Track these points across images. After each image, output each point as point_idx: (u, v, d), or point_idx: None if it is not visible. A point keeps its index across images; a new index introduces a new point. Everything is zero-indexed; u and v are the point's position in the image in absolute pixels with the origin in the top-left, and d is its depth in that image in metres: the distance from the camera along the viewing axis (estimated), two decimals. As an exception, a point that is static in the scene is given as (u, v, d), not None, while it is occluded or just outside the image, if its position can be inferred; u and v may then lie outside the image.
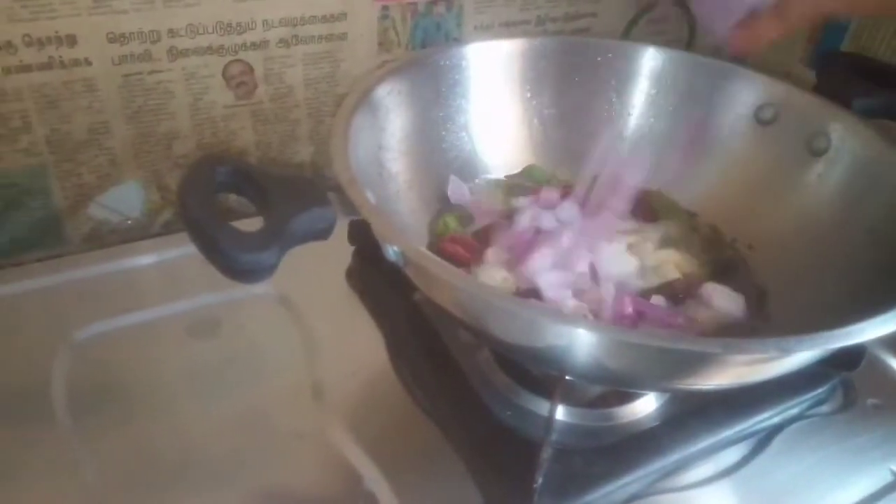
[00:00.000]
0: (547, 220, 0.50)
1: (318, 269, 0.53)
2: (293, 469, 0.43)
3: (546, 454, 0.39)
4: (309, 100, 0.63)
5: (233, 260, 0.31)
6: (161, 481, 0.41)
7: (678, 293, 0.47)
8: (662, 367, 0.36)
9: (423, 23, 0.64)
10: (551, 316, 0.34)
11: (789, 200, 0.51)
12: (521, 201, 0.52)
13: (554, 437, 0.40)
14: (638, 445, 0.43)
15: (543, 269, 0.45)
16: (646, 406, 0.47)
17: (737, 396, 0.45)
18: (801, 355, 0.34)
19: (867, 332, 0.32)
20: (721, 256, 0.52)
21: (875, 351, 0.51)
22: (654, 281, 0.48)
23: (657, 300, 0.46)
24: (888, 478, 0.44)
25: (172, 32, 0.55)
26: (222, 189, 0.35)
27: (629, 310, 0.43)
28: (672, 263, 0.49)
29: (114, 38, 0.53)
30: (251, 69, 0.59)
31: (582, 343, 0.34)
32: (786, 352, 0.31)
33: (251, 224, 0.34)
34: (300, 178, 0.36)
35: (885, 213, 0.44)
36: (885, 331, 0.33)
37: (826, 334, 0.32)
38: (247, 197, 0.36)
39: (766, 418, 0.46)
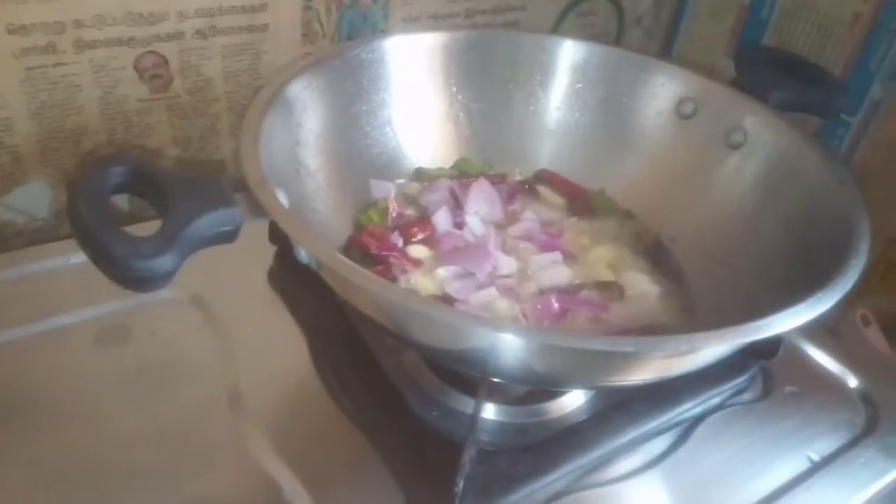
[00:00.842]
0: (472, 222, 0.49)
1: (238, 270, 0.51)
2: (210, 481, 0.41)
3: (469, 455, 0.38)
4: (229, 93, 0.61)
5: (124, 267, 0.29)
6: (70, 496, 0.39)
7: (610, 293, 0.47)
8: (583, 367, 0.36)
9: (349, 14, 0.62)
10: (466, 319, 0.33)
11: (709, 193, 0.52)
12: (435, 196, 0.51)
13: (479, 436, 0.40)
14: (563, 442, 0.43)
15: (450, 277, 0.44)
16: (573, 401, 0.47)
17: (660, 388, 0.45)
18: (717, 349, 0.35)
19: (776, 325, 0.33)
20: (649, 249, 0.52)
21: (792, 339, 0.53)
22: (587, 277, 0.48)
23: (587, 295, 0.46)
24: (806, 464, 0.45)
25: (78, 23, 0.52)
26: (118, 191, 0.33)
27: (555, 307, 0.43)
28: (605, 263, 0.50)
29: (14, 30, 0.50)
30: (166, 61, 0.57)
31: (501, 345, 0.33)
32: (697, 349, 0.31)
33: (156, 227, 0.32)
34: (204, 179, 0.34)
35: (799, 204, 0.45)
36: (794, 324, 0.33)
37: (737, 328, 0.32)
38: (145, 199, 0.34)
39: (689, 408, 0.47)
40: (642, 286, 0.48)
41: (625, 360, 0.33)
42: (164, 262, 0.30)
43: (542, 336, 0.32)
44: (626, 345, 0.30)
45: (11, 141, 0.54)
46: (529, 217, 0.51)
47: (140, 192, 0.33)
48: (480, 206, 0.50)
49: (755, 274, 0.45)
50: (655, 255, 0.52)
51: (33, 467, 0.40)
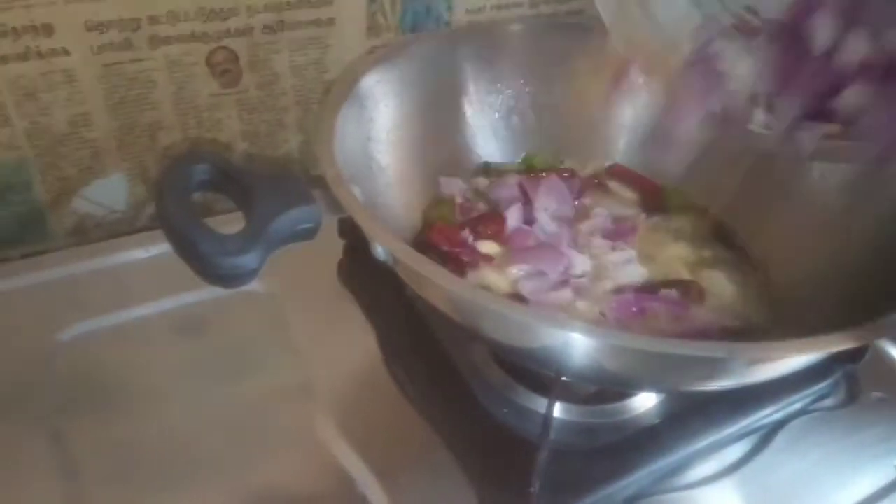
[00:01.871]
0: (542, 218, 0.49)
1: (308, 265, 0.51)
2: (282, 470, 0.42)
3: (543, 456, 0.38)
4: (296, 87, 0.61)
5: (213, 265, 0.29)
6: (147, 481, 0.40)
7: (690, 293, 0.45)
8: (664, 370, 0.34)
9: (413, 6, 0.62)
10: (543, 319, 0.32)
11: (792, 189, 0.49)
12: (504, 192, 0.50)
13: (551, 436, 0.39)
14: (638, 444, 0.42)
15: (523, 276, 0.44)
16: (645, 402, 0.45)
17: (739, 392, 0.43)
18: (811, 356, 0.33)
19: (877, 332, 0.31)
20: (728, 250, 0.50)
21: (879, 343, 0.50)
22: (664, 275, 0.46)
23: (666, 294, 0.45)
24: (892, 475, 0.43)
25: (153, 20, 0.53)
26: (202, 188, 0.34)
27: (633, 308, 0.42)
28: (682, 261, 0.48)
29: (92, 27, 0.51)
30: (236, 56, 0.57)
31: (577, 346, 0.32)
32: (792, 354, 0.30)
33: (232, 220, 0.32)
34: (285, 175, 0.35)
35: (892, 208, 0.43)
36: (887, 334, 0.31)
37: (832, 336, 0.30)
38: (228, 195, 0.34)
39: (769, 414, 0.45)
40: (720, 286, 0.46)
41: (714, 365, 0.32)
42: (249, 259, 0.30)
43: (625, 340, 0.31)
44: (718, 350, 0.29)
45: (91, 135, 0.55)
46: (601, 213, 0.50)
47: (222, 189, 0.34)
48: (550, 202, 0.49)
49: (844, 276, 0.43)
50: (733, 254, 0.50)
51: (114, 451, 0.42)
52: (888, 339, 0.50)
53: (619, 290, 0.44)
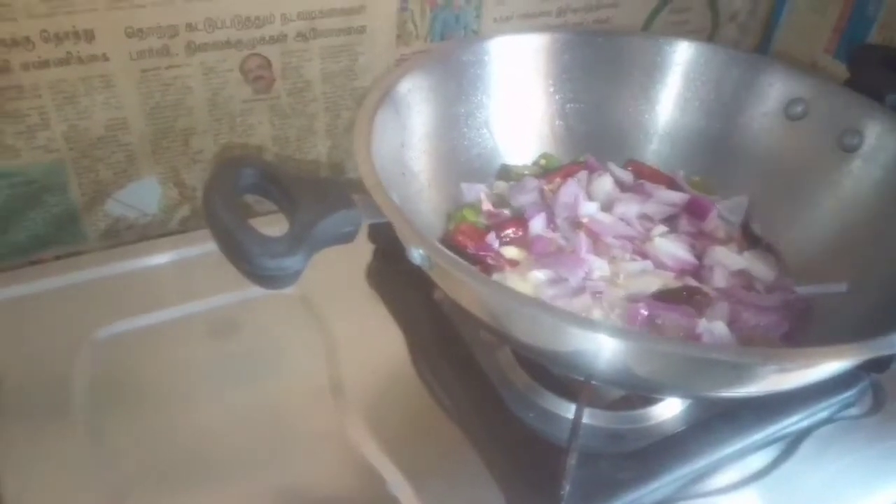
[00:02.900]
0: (562, 224, 0.49)
1: (338, 267, 0.52)
2: (314, 469, 0.42)
3: (572, 460, 0.38)
4: (326, 94, 0.62)
5: (259, 266, 0.30)
6: (179, 479, 0.41)
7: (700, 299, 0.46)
8: (693, 375, 0.35)
9: (442, 15, 0.63)
10: (577, 322, 0.33)
11: (822, 197, 0.50)
12: (526, 198, 0.51)
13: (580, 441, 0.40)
14: (665, 450, 0.42)
15: (544, 282, 0.44)
16: (671, 409, 0.46)
17: (765, 399, 0.44)
18: (838, 364, 0.33)
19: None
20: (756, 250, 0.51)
21: (906, 353, 0.50)
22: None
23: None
24: (919, 483, 0.43)
25: (190, 27, 0.54)
26: (247, 191, 0.34)
27: (644, 315, 0.42)
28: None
29: (132, 33, 0.52)
30: (269, 63, 0.58)
31: (610, 350, 0.33)
32: (825, 363, 0.30)
33: (270, 221, 0.33)
34: (325, 181, 0.36)
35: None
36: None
37: (866, 344, 0.31)
38: (271, 199, 0.35)
39: (795, 422, 0.45)
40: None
41: (743, 371, 0.32)
42: (293, 261, 0.31)
43: (660, 345, 0.32)
44: (752, 356, 0.29)
45: (127, 139, 0.57)
46: (621, 212, 0.50)
47: (267, 192, 0.35)
48: (569, 208, 0.50)
49: (873, 284, 0.43)
50: (764, 257, 0.50)
51: (149, 449, 0.42)
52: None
53: (632, 299, 0.44)
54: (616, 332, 0.32)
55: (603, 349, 0.33)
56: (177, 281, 0.54)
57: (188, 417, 0.44)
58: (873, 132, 0.48)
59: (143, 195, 0.60)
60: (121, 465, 0.41)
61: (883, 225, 0.45)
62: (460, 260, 0.33)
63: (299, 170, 0.64)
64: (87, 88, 0.53)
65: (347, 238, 0.34)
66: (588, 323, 0.33)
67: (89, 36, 0.51)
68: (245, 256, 0.30)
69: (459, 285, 0.36)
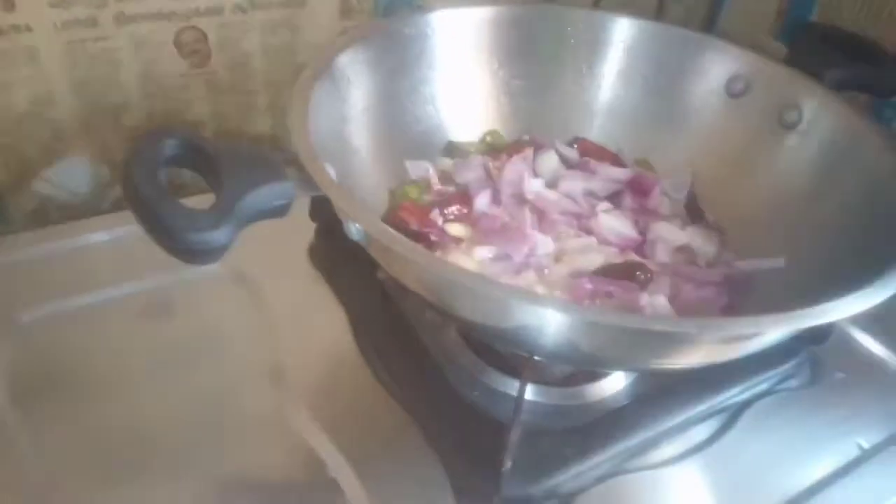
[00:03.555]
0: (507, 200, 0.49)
1: (279, 246, 0.51)
2: (253, 455, 0.41)
3: (515, 436, 0.38)
4: (267, 69, 0.60)
5: (181, 240, 0.29)
6: (116, 470, 0.39)
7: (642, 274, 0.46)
8: (636, 348, 0.35)
9: (387, -11, 0.61)
10: (521, 296, 0.32)
11: (762, 174, 0.50)
12: (471, 175, 0.50)
13: (522, 417, 0.40)
14: (608, 425, 0.43)
15: (489, 259, 0.44)
16: (615, 384, 0.46)
17: (706, 373, 0.44)
18: (774, 334, 0.34)
19: (840, 309, 0.32)
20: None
21: (842, 324, 0.52)
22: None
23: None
24: (855, 451, 0.44)
25: (120, -4, 0.52)
26: (171, 163, 0.33)
27: (588, 289, 0.42)
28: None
29: (56, 3, 0.50)
30: (205, 36, 0.56)
31: (552, 324, 0.32)
32: (762, 332, 0.30)
33: (205, 201, 0.32)
34: (256, 152, 0.34)
35: (858, 187, 0.44)
36: (857, 309, 0.32)
37: (800, 313, 0.31)
38: (198, 172, 0.33)
39: (736, 394, 0.46)
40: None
41: (682, 341, 0.32)
42: (219, 235, 0.29)
43: (601, 317, 0.31)
44: (688, 325, 0.29)
45: (53, 115, 0.54)
46: (566, 189, 0.50)
47: (192, 165, 0.33)
48: (515, 185, 0.50)
49: (809, 257, 0.44)
50: (706, 233, 0.51)
51: (76, 438, 0.41)
52: (850, 318, 0.51)
53: (575, 275, 0.44)
54: (553, 303, 0.31)
55: (542, 323, 0.33)
56: (108, 261, 0.52)
57: (121, 404, 0.43)
58: (811, 108, 0.48)
59: (73, 174, 0.57)
60: (49, 458, 0.39)
61: (817, 200, 0.46)
62: (397, 234, 0.32)
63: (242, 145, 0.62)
64: (8, 61, 0.50)
65: (279, 212, 0.33)
66: (524, 295, 0.32)
67: (9, 5, 0.49)
68: (167, 231, 0.29)
69: (397, 260, 0.35)
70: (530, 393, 0.44)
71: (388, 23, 0.51)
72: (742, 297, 0.45)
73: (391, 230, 0.32)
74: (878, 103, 0.63)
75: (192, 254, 0.30)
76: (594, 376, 0.46)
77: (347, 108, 0.46)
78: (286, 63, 0.60)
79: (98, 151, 0.57)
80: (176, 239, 0.29)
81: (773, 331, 0.31)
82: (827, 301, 0.32)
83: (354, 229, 0.34)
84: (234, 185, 0.31)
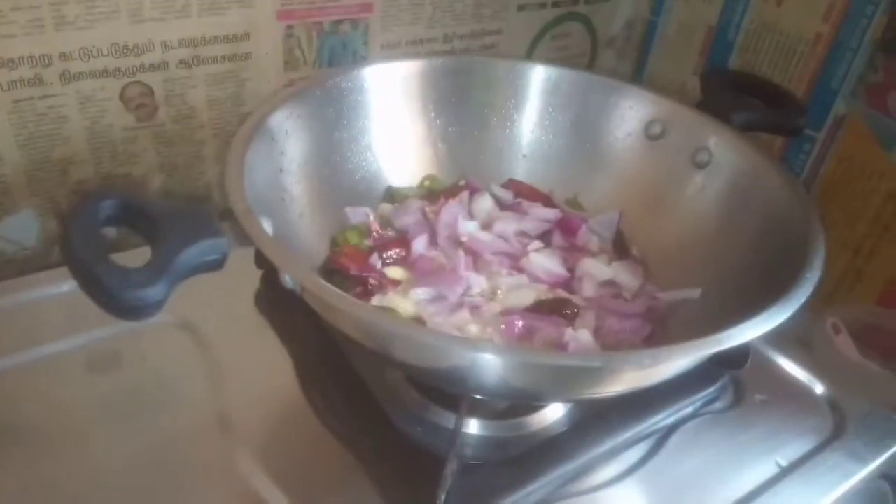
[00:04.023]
0: (443, 243, 0.51)
1: (225, 294, 0.53)
2: (201, 502, 0.42)
3: (451, 469, 0.40)
4: (214, 120, 0.62)
5: (117, 298, 0.30)
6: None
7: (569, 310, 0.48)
8: (556, 382, 0.37)
9: (330, 42, 0.64)
10: (445, 340, 0.34)
11: (676, 211, 0.54)
12: (409, 219, 0.53)
13: (462, 451, 0.41)
14: (543, 454, 0.45)
15: (425, 300, 0.46)
16: (553, 413, 0.48)
17: (634, 400, 0.47)
18: (681, 362, 0.36)
19: (735, 337, 0.34)
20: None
21: (761, 348, 0.55)
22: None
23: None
24: (774, 469, 0.47)
25: (65, 56, 0.53)
26: (109, 223, 0.34)
27: (520, 327, 0.45)
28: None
29: (1, 64, 0.51)
30: (151, 91, 0.58)
31: (479, 363, 0.35)
32: (661, 362, 0.33)
33: (145, 253, 0.33)
34: (193, 209, 0.36)
35: (760, 221, 0.48)
36: (752, 335, 0.35)
37: (698, 342, 0.34)
38: (136, 230, 0.35)
39: (663, 419, 0.48)
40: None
41: (594, 374, 0.34)
42: (154, 291, 0.31)
43: (518, 354, 0.34)
44: (594, 360, 0.32)
45: (-1, 171, 0.55)
46: (499, 230, 0.53)
47: (130, 223, 0.35)
48: (450, 227, 0.52)
49: (721, 287, 0.47)
50: (631, 267, 0.54)
51: (24, 491, 0.41)
52: (767, 342, 0.55)
53: (507, 312, 0.46)
54: (476, 346, 0.33)
55: (471, 363, 0.35)
56: (56, 316, 0.52)
57: (70, 458, 0.43)
58: (718, 148, 0.52)
59: (21, 228, 0.58)
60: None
61: (726, 233, 0.50)
62: (325, 283, 0.34)
63: (188, 199, 0.63)
64: (-46, 120, 0.51)
65: (214, 266, 0.35)
66: (443, 338, 0.35)
67: (-45, 66, 0.50)
68: (102, 289, 0.30)
69: (330, 308, 0.37)
70: (473, 427, 0.46)
71: (324, 77, 0.54)
72: (663, 328, 0.48)
73: (318, 279, 0.34)
74: (798, 140, 0.67)
75: (129, 311, 0.31)
76: (533, 408, 0.48)
77: (287, 161, 0.48)
78: (233, 113, 0.62)
79: (45, 205, 0.58)
80: (112, 297, 0.31)
81: (674, 360, 0.34)
82: (727, 329, 0.35)
83: (287, 279, 0.36)
84: (170, 242, 0.33)
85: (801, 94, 0.66)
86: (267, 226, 0.38)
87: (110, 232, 0.57)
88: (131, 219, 0.35)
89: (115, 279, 0.30)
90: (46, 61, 0.53)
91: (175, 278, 0.33)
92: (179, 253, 0.33)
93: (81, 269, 0.31)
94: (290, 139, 0.48)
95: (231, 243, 0.36)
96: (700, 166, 0.53)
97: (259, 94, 0.62)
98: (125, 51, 0.55)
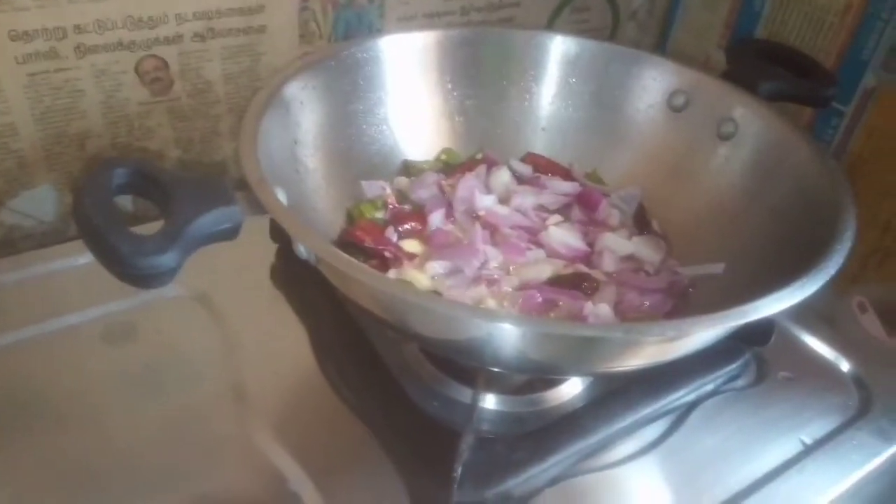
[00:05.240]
0: (460, 217, 0.50)
1: (240, 268, 0.52)
2: (217, 475, 0.42)
3: (467, 443, 0.39)
4: (229, 94, 0.62)
5: (130, 265, 0.30)
6: (81, 496, 0.40)
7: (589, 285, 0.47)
8: (576, 354, 0.36)
9: (345, 14, 0.63)
10: (463, 311, 0.34)
11: (701, 183, 0.53)
12: (425, 192, 0.52)
13: (478, 425, 0.41)
14: (560, 429, 0.44)
15: (442, 273, 0.45)
16: (571, 389, 0.48)
17: (654, 375, 0.46)
18: (705, 334, 0.35)
19: (761, 309, 0.33)
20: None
21: (785, 325, 0.54)
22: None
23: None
24: (799, 447, 0.46)
25: (79, 28, 0.53)
26: (123, 191, 0.34)
27: (539, 300, 0.44)
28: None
29: (16, 37, 0.51)
30: (166, 64, 0.58)
31: (497, 335, 0.34)
32: (684, 334, 0.32)
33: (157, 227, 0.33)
34: (206, 178, 0.35)
35: (788, 193, 0.46)
36: (777, 308, 0.34)
37: (723, 314, 0.33)
38: (149, 199, 0.35)
39: (683, 395, 0.47)
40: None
41: (615, 346, 0.34)
42: (167, 259, 0.31)
43: (537, 325, 0.33)
44: (615, 331, 0.31)
45: (16, 146, 0.55)
46: (517, 204, 0.52)
47: (143, 192, 0.34)
48: (467, 201, 0.51)
49: (746, 262, 0.46)
50: (652, 242, 0.52)
51: (41, 465, 0.41)
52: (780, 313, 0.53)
53: (525, 286, 0.45)
54: (485, 314, 0.33)
55: (488, 335, 0.34)
56: (73, 288, 0.52)
57: (86, 430, 0.43)
58: (744, 119, 0.51)
59: (39, 203, 0.58)
60: (19, 482, 0.40)
61: (751, 207, 0.48)
62: (342, 253, 0.34)
63: (204, 171, 0.63)
64: (-30, 94, 0.51)
65: (228, 235, 0.34)
66: (463, 309, 0.34)
67: (-31, 40, 0.50)
68: (115, 256, 0.30)
69: (346, 279, 0.37)
70: (490, 402, 0.46)
71: (339, 48, 0.53)
72: (686, 303, 0.47)
73: (335, 249, 0.34)
74: (825, 115, 0.65)
75: (142, 278, 0.31)
76: (551, 383, 0.47)
77: (302, 132, 0.47)
78: (248, 88, 0.62)
79: (62, 179, 0.58)
80: (125, 264, 0.30)
81: (697, 331, 0.33)
82: (750, 302, 0.34)
83: (303, 250, 0.36)
84: (182, 211, 0.33)
85: (829, 67, 0.64)
86: (282, 196, 0.38)
87: (125, 205, 0.57)
88: (144, 187, 0.35)
89: (128, 246, 0.30)
90: (61, 34, 0.52)
91: (188, 246, 0.32)
92: (192, 221, 0.33)
93: (94, 235, 0.31)
94: (304, 110, 0.47)
95: (246, 213, 0.35)
96: (725, 138, 0.52)
97: (274, 68, 0.62)
98: (139, 23, 0.55)
